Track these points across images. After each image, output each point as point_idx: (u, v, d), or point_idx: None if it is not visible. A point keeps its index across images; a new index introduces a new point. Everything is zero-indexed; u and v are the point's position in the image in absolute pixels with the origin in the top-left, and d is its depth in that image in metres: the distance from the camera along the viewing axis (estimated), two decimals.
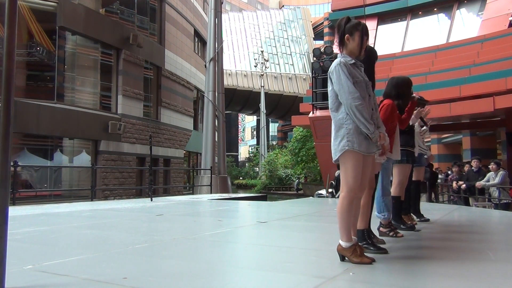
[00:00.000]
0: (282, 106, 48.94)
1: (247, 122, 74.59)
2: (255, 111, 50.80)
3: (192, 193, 14.64)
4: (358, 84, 2.76)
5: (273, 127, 65.72)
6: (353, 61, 2.83)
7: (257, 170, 46.30)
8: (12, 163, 7.24)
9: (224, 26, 31.98)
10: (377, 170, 3.54)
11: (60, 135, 15.04)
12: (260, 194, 20.33)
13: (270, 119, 59.98)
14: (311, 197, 15.07)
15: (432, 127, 15.28)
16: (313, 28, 53.17)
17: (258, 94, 45.77)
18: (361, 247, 2.79)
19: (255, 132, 65.89)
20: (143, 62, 18.68)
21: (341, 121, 2.75)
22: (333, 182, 13.29)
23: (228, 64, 44.38)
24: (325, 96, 13.14)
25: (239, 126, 74.03)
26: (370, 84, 2.98)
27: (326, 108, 13.00)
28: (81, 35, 15.79)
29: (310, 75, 16.35)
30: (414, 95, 4.29)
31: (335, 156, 2.78)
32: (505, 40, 15.50)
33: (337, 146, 2.75)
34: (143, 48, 18.32)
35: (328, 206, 7.81)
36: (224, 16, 36.47)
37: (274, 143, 58.66)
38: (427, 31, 20.71)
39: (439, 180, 12.78)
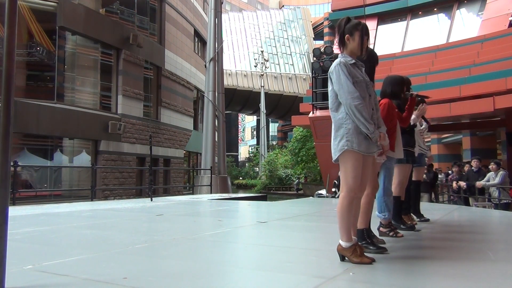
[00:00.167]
0: (282, 106, 48.94)
1: (247, 122, 74.59)
2: (255, 111, 50.80)
3: (192, 193, 14.65)
4: (358, 84, 2.76)
5: (273, 127, 65.72)
6: (353, 61, 2.83)
7: (257, 170, 46.31)
8: (12, 163, 7.24)
9: (224, 26, 31.98)
10: (376, 171, 3.54)
11: (60, 135, 15.04)
12: (260, 194, 20.33)
13: (270, 119, 59.98)
14: (311, 197, 15.07)
15: (432, 127, 15.27)
16: (313, 28, 53.17)
17: (258, 94, 45.77)
18: (361, 247, 2.79)
19: (255, 132, 65.89)
20: (143, 62, 18.68)
21: (341, 121, 2.75)
22: (335, 181, 13.29)
23: (228, 64, 44.37)
24: (325, 96, 13.14)
25: (239, 126, 74.03)
26: (371, 84, 2.98)
27: (326, 108, 13.00)
28: (81, 35, 15.79)
29: (310, 75, 16.34)
30: (412, 92, 4.29)
31: (334, 156, 2.78)
32: (505, 40, 15.49)
33: (336, 146, 2.75)
34: (143, 48, 18.32)
35: (328, 206, 7.81)
36: (224, 16, 36.47)
37: (274, 143, 58.66)
38: (427, 31, 20.71)
39: (438, 180, 12.77)
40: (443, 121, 15.62)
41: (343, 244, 2.72)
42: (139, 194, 16.84)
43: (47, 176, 14.83)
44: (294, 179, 33.96)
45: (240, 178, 48.05)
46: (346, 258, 2.72)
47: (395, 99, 3.93)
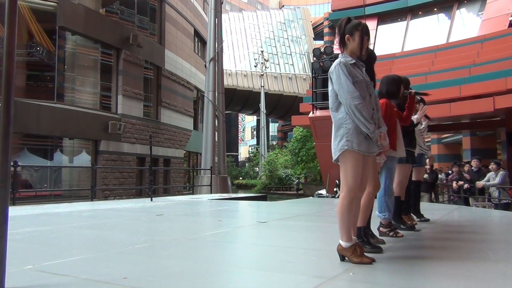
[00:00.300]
0: (282, 106, 48.94)
1: (247, 122, 74.58)
2: (255, 111, 50.80)
3: (192, 193, 14.64)
4: (358, 84, 2.76)
5: (273, 127, 65.72)
6: (353, 61, 2.83)
7: (257, 170, 46.31)
8: (12, 163, 7.23)
9: (224, 26, 31.96)
10: (377, 170, 3.54)
11: (60, 135, 15.04)
12: (260, 194, 20.33)
13: (270, 119, 59.98)
14: (311, 197, 15.07)
15: (432, 127, 15.32)
16: (313, 28, 53.18)
17: (258, 94, 45.77)
18: (361, 247, 2.79)
19: (255, 132, 65.89)
20: (143, 62, 18.68)
21: (341, 120, 2.75)
22: (337, 181, 13.29)
23: (228, 64, 44.37)
24: (325, 96, 13.14)
25: (239, 126, 74.03)
26: (372, 84, 2.98)
27: (326, 108, 13.00)
28: (81, 35, 15.79)
29: (310, 75, 16.34)
30: (410, 90, 4.30)
31: (334, 155, 2.78)
32: (505, 40, 15.49)
33: (336, 145, 2.75)
34: (143, 48, 18.32)
35: (328, 206, 7.81)
36: (224, 16, 36.46)
37: (274, 143, 58.66)
38: (427, 31, 20.70)
39: (439, 180, 12.77)
40: (443, 121, 15.62)
41: (343, 244, 2.72)
42: (139, 194, 16.84)
43: (47, 176, 14.83)
44: (294, 179, 33.96)
45: (240, 178, 48.05)
46: (346, 258, 2.72)
47: (392, 98, 3.92)
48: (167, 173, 20.89)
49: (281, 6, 63.11)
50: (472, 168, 10.14)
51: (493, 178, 8.91)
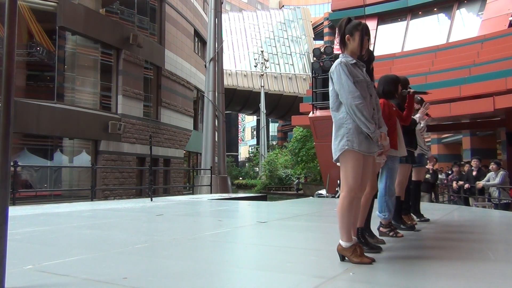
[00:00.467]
0: (282, 106, 48.94)
1: (247, 122, 74.59)
2: (255, 111, 50.80)
3: (192, 193, 14.64)
4: (359, 84, 2.76)
5: (273, 127, 65.71)
6: (354, 61, 2.83)
7: (257, 170, 46.31)
8: (12, 163, 7.23)
9: (224, 26, 31.96)
10: (376, 170, 3.54)
11: (60, 135, 15.04)
12: (260, 194, 20.33)
13: (270, 119, 59.97)
14: (311, 197, 15.07)
15: (432, 127, 15.33)
16: (313, 28, 53.19)
17: (258, 94, 45.77)
18: (361, 247, 2.79)
19: (255, 132, 65.89)
20: (143, 62, 18.68)
21: (341, 120, 2.75)
22: (339, 181, 13.28)
23: (228, 64, 44.37)
24: (325, 96, 13.13)
25: (239, 126, 74.03)
26: (372, 84, 2.98)
27: (326, 108, 13.00)
28: (81, 35, 15.79)
29: (310, 75, 16.34)
30: (409, 90, 4.30)
31: (335, 155, 2.78)
32: (505, 40, 15.48)
33: (337, 145, 2.76)
34: (143, 48, 18.32)
35: (328, 206, 7.81)
36: (224, 16, 36.47)
37: (274, 143, 58.66)
38: (427, 31, 20.70)
39: (439, 180, 12.77)
40: (443, 121, 15.61)
41: (343, 244, 2.72)
42: (139, 194, 16.84)
43: (47, 176, 14.83)
44: (294, 179, 33.97)
45: (240, 178, 48.04)
46: (346, 258, 2.72)
47: (388, 98, 3.91)
48: (167, 173, 20.89)
49: (281, 6, 63.10)
50: (472, 168, 10.14)
51: (493, 178, 8.91)
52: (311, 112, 15.04)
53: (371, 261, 2.70)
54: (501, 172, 8.83)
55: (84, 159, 15.95)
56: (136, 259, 2.89)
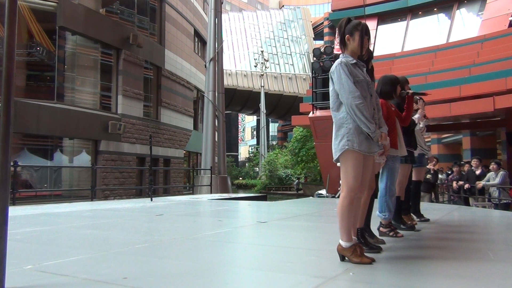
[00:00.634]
0: (282, 106, 48.94)
1: (247, 122, 74.59)
2: (255, 111, 50.80)
3: (192, 193, 14.64)
4: (359, 84, 2.76)
5: (273, 127, 65.71)
6: (354, 61, 2.83)
7: (257, 170, 46.31)
8: (12, 163, 7.24)
9: (224, 26, 31.98)
10: (376, 171, 3.54)
11: (60, 135, 15.04)
12: (260, 194, 20.32)
13: (270, 119, 59.98)
14: (311, 197, 15.07)
15: (432, 127, 15.32)
16: (313, 28, 53.19)
17: (258, 94, 45.77)
18: (361, 247, 2.79)
19: (255, 132, 65.89)
20: (143, 62, 18.69)
21: (342, 120, 2.75)
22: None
23: (228, 64, 44.37)
24: (325, 96, 13.11)
25: (239, 126, 74.03)
26: (372, 84, 2.98)
27: (326, 108, 12.99)
28: (81, 35, 15.79)
29: (310, 75, 16.33)
30: (408, 91, 4.29)
31: (335, 155, 2.78)
32: (505, 40, 15.48)
33: (337, 145, 2.76)
34: (143, 48, 18.32)
35: (328, 206, 7.81)
36: (224, 16, 36.47)
37: (274, 143, 58.66)
38: (427, 31, 20.69)
39: (439, 180, 12.78)
40: (443, 121, 15.61)
41: (343, 244, 2.72)
42: (139, 194, 16.84)
43: (47, 176, 14.84)
44: (294, 179, 33.96)
45: (240, 178, 48.04)
46: (346, 258, 2.72)
47: (386, 98, 3.90)
48: (167, 173, 20.89)
49: (281, 6, 63.10)
50: (472, 168, 10.14)
51: (493, 178, 8.91)
52: (311, 112, 15.02)
53: (371, 261, 2.70)
54: (501, 172, 8.83)
55: (84, 159, 15.95)
56: (136, 259, 2.89)
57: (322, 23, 48.50)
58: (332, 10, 25.25)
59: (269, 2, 68.33)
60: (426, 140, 5.87)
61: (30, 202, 10.61)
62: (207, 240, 3.76)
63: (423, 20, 21.47)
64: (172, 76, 21.47)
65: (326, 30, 44.99)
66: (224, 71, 25.02)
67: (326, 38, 44.16)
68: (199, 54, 26.48)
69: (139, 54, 18.26)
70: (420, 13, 21.41)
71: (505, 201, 8.91)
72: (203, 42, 26.00)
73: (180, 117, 22.38)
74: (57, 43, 14.96)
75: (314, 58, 13.79)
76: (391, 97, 3.95)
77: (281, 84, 49.17)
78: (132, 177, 17.84)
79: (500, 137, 17.30)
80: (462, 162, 12.64)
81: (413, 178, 5.18)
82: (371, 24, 20.74)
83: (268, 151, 46.11)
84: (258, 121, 56.42)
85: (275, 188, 35.64)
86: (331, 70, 2.86)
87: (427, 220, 5.13)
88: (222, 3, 18.48)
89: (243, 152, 71.52)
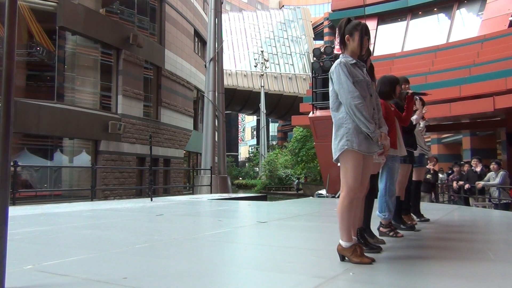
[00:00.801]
0: (282, 106, 48.94)
1: (247, 122, 74.58)
2: (255, 111, 50.79)
3: (192, 193, 14.63)
4: (359, 84, 2.76)
5: (273, 127, 65.71)
6: (354, 61, 2.83)
7: (257, 170, 46.30)
8: (12, 163, 7.23)
9: (224, 26, 31.96)
10: (376, 171, 3.54)
11: (60, 135, 15.04)
12: (260, 194, 20.32)
13: (270, 119, 59.97)
14: (311, 197, 15.07)
15: (432, 127, 15.32)
16: (313, 28, 53.18)
17: (258, 94, 45.77)
18: (361, 247, 2.79)
19: (255, 132, 65.89)
20: (143, 62, 18.68)
21: (341, 120, 2.76)
22: None
23: (228, 64, 44.36)
24: (325, 96, 13.11)
25: (239, 126, 74.03)
26: (372, 84, 2.98)
27: (326, 108, 12.98)
28: (81, 35, 15.79)
29: (310, 75, 16.32)
30: (408, 90, 4.29)
31: (335, 155, 2.79)
32: (505, 40, 15.47)
33: (336, 145, 2.76)
34: (143, 48, 18.32)
35: (328, 206, 7.81)
36: (224, 16, 36.46)
37: (274, 143, 58.65)
38: (427, 31, 20.69)
39: (439, 180, 12.78)
40: (443, 121, 15.61)
41: (343, 244, 2.72)
42: (139, 194, 16.84)
43: (47, 176, 14.83)
44: (294, 179, 33.96)
45: (240, 178, 48.03)
46: (346, 258, 2.72)
47: (386, 99, 3.90)
48: (167, 173, 20.89)
49: (281, 6, 63.10)
50: (472, 168, 10.14)
51: (493, 178, 8.91)
52: (311, 112, 15.02)
53: (371, 261, 2.70)
54: (501, 172, 8.83)
55: (84, 159, 15.95)
56: (136, 259, 2.89)
57: (322, 23, 48.49)
58: (332, 10, 25.25)
59: (269, 2, 68.33)
60: (426, 140, 5.87)
61: (30, 202, 10.61)
62: (207, 240, 3.76)
63: (423, 20, 21.47)
64: (172, 76, 21.47)
65: (326, 30, 44.97)
66: (224, 71, 25.02)
67: (326, 38, 44.14)
68: (199, 54, 26.48)
69: (139, 54, 18.26)
70: (420, 13, 21.41)
71: (505, 201, 8.91)
72: (203, 42, 26.00)
73: (180, 117, 22.38)
74: (57, 43, 14.95)
75: (314, 58, 13.79)
76: (390, 97, 3.95)
77: (281, 84, 49.17)
78: (132, 177, 17.84)
79: (500, 137, 17.30)
80: (462, 162, 12.63)
81: (413, 178, 5.18)
82: (371, 24, 20.74)
83: (268, 151, 46.11)
84: (258, 121, 56.42)
85: (275, 188, 35.64)
86: (330, 70, 2.86)
87: (427, 220, 5.13)
88: (222, 3, 18.48)
89: (243, 152, 71.52)
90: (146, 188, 12.96)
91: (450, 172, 12.38)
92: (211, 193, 12.87)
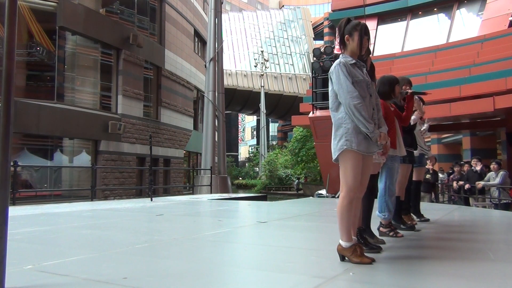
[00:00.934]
0: (282, 106, 48.95)
1: (247, 122, 74.58)
2: (255, 111, 50.81)
3: (192, 193, 14.63)
4: (358, 84, 2.76)
5: (273, 127, 65.71)
6: (353, 61, 2.83)
7: (257, 170, 46.31)
8: (12, 163, 7.24)
9: (224, 26, 31.97)
10: (375, 171, 3.54)
11: (60, 135, 15.04)
12: (260, 194, 20.32)
13: (270, 119, 59.98)
14: (311, 197, 15.07)
15: (432, 127, 15.26)
16: (313, 28, 53.20)
17: (258, 94, 45.78)
18: (361, 247, 2.79)
19: (255, 132, 65.89)
20: (143, 62, 18.69)
21: (340, 120, 2.76)
22: None
23: (228, 64, 44.37)
24: (325, 96, 13.11)
25: (239, 126, 74.03)
26: (372, 84, 2.98)
27: (326, 108, 12.98)
28: (81, 35, 15.79)
29: (310, 75, 16.32)
30: (407, 90, 4.29)
31: (334, 155, 2.79)
32: (505, 40, 15.47)
33: (336, 145, 2.76)
34: (143, 48, 18.32)
35: (328, 206, 7.81)
36: (224, 16, 36.46)
37: (274, 143, 58.66)
38: (427, 31, 20.69)
39: (440, 180, 12.78)
40: (443, 121, 15.61)
41: (343, 244, 2.72)
42: (139, 194, 16.84)
43: (47, 176, 14.83)
44: (294, 179, 33.96)
45: (240, 178, 48.03)
46: (346, 258, 2.72)
47: (385, 99, 3.90)
48: (167, 173, 20.89)
49: (281, 6, 63.10)
50: (472, 168, 10.14)
51: (493, 178, 8.91)
52: (311, 112, 15.02)
53: (371, 261, 2.70)
54: (501, 172, 8.83)
55: (84, 159, 15.95)
56: (136, 259, 2.89)
57: (322, 23, 48.51)
58: (332, 10, 25.25)
59: (269, 2, 68.34)
60: (426, 140, 5.87)
61: (30, 202, 10.61)
62: (207, 240, 3.76)
63: (423, 20, 21.47)
64: (172, 76, 21.47)
65: (326, 30, 44.99)
66: (224, 71, 25.03)
67: (326, 38, 44.17)
68: (199, 54, 26.48)
69: (139, 54, 18.26)
70: (420, 13, 21.41)
71: (505, 201, 8.91)
72: (203, 42, 26.00)
73: (180, 117, 22.38)
74: (57, 43, 14.96)
75: (314, 58, 13.79)
76: (389, 97, 3.95)
77: (281, 84, 49.18)
78: (132, 177, 17.84)
79: (500, 137, 17.30)
80: (462, 162, 12.63)
81: (413, 178, 5.18)
82: (371, 24, 20.74)
83: (268, 151, 46.11)
84: (258, 121, 56.42)
85: (275, 188, 35.64)
86: (330, 70, 2.87)
87: (427, 220, 5.13)
88: (222, 3, 18.48)
89: (243, 152, 71.52)
90: (146, 188, 12.96)
91: (450, 172, 12.38)
92: (211, 193, 12.87)
